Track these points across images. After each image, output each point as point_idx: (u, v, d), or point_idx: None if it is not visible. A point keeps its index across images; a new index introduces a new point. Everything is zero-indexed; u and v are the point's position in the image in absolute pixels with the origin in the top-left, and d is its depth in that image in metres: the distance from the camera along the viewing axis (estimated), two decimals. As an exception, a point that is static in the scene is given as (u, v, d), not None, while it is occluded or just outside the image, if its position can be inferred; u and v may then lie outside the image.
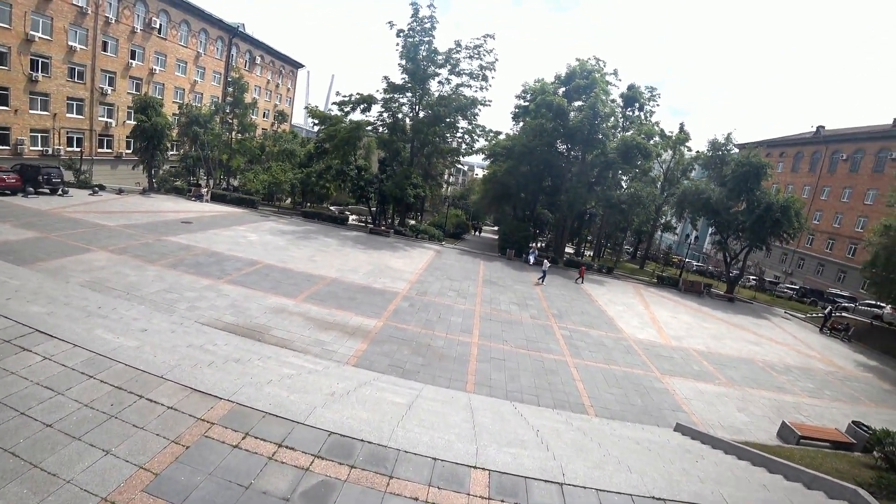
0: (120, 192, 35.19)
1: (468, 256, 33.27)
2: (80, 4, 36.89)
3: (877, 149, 49.65)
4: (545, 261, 29.73)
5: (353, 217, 46.75)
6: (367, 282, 19.68)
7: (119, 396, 5.26)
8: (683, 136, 47.08)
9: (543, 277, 27.36)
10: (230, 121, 46.99)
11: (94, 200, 29.83)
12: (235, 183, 48.11)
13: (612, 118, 39.02)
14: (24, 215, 22.02)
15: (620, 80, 40.61)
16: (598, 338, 17.79)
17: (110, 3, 39.84)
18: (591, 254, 50.74)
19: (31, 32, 33.75)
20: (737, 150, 39.88)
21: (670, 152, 49.34)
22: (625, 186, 43.30)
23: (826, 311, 31.11)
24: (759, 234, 34.62)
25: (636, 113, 42.54)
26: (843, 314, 32.61)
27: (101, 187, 34.48)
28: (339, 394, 6.74)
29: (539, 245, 44.68)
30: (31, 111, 34.82)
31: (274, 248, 23.37)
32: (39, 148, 35.77)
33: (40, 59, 34.83)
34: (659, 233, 60.80)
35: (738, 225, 35.55)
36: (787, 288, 47.77)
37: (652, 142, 38.11)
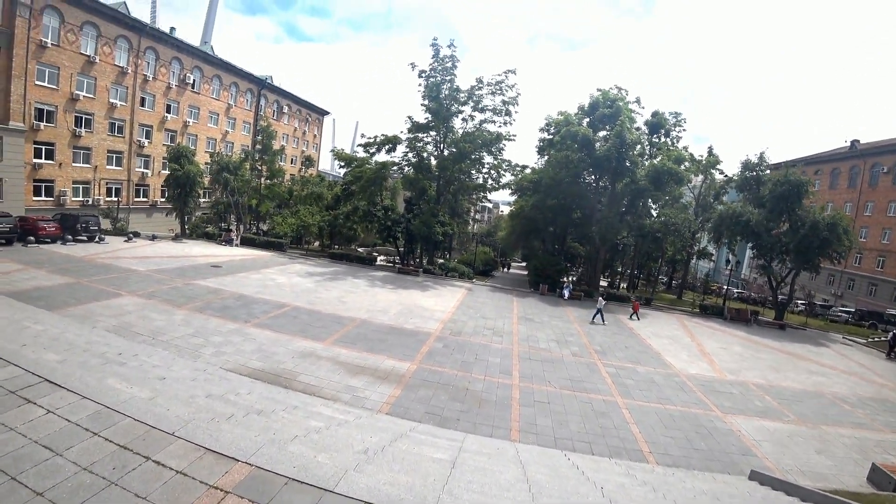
0: (153, 238, 35.97)
1: (500, 293, 32.28)
2: (121, 65, 39.21)
3: None
4: (601, 298, 27.35)
5: (381, 258, 46.56)
6: (397, 322, 18.96)
7: (123, 458, 4.57)
8: (713, 160, 45.86)
9: (600, 315, 25.20)
10: (259, 167, 48.24)
11: (127, 247, 30.45)
12: (265, 227, 48.86)
13: (639, 146, 38.26)
14: (60, 262, 22.43)
15: (644, 108, 40.09)
16: (646, 374, 16.42)
17: (148, 63, 42.21)
18: (626, 286, 48.90)
19: (77, 92, 35.81)
20: (768, 171, 38.22)
21: (701, 177, 48.07)
22: (655, 215, 42.06)
23: (891, 336, 28.57)
24: (805, 254, 32.59)
25: (662, 139, 41.69)
26: None
27: (136, 234, 35.35)
28: (374, 450, 5.89)
29: (571, 279, 43.24)
30: (73, 164, 36.55)
31: (302, 290, 23.01)
32: (81, 198, 37.27)
33: (84, 116, 36.79)
34: (694, 261, 58.56)
35: (782, 247, 33.62)
36: (841, 311, 44.77)
37: (682, 166, 36.99)
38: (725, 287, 44.30)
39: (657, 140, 41.38)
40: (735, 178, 41.63)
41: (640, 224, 39.22)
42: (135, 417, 5.22)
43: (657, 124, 40.84)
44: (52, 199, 35.08)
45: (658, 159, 37.46)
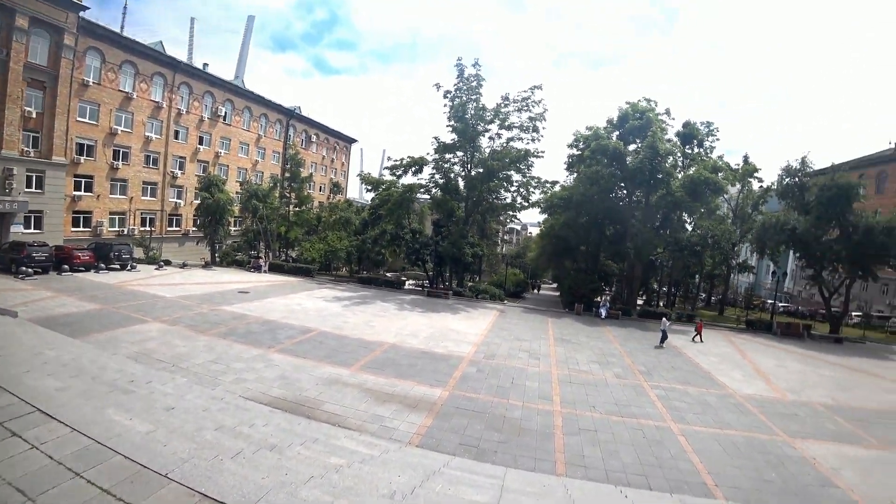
0: (183, 265, 36.45)
1: (534, 314, 31.07)
2: (156, 99, 40.68)
3: None
4: (664, 319, 24.79)
5: (410, 282, 46.02)
6: (428, 347, 18.08)
7: (105, 508, 3.86)
8: (750, 168, 44.04)
9: (665, 339, 23.08)
10: (288, 195, 48.91)
11: (157, 274, 30.79)
12: (293, 254, 49.17)
13: (672, 157, 36.87)
14: (91, 289, 22.62)
15: (674, 119, 38.93)
16: (698, 396, 14.96)
17: (182, 97, 43.67)
18: (663, 303, 46.77)
19: (115, 126, 37.15)
20: (809, 177, 36.05)
21: (738, 186, 46.13)
22: (689, 229, 40.30)
23: None
24: (860, 262, 30.35)
25: (695, 150, 40.26)
26: None
27: (167, 262, 35.91)
28: (402, 493, 5.03)
29: (606, 297, 41.54)
30: (111, 195, 37.67)
31: (329, 315, 22.45)
32: (116, 228, 38.33)
33: (121, 149, 38.07)
34: (735, 275, 55.77)
35: (833, 255, 31.39)
36: (904, 321, 41.62)
37: (720, 175, 35.38)
38: (772, 301, 41.77)
39: (690, 151, 39.98)
40: (774, 185, 39.60)
41: (677, 238, 37.53)
42: (126, 455, 4.55)
43: (689, 135, 39.48)
44: (89, 229, 36.09)
45: (693, 170, 35.99)
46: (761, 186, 43.79)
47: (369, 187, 41.70)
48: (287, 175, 51.95)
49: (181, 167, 44.33)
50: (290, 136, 60.79)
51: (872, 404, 16.28)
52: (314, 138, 67.12)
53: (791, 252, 40.24)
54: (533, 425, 11.08)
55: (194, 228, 44.82)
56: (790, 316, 44.15)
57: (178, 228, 44.82)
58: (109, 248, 30.78)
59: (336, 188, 64.19)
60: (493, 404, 12.26)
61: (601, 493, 7.61)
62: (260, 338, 16.68)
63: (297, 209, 49.33)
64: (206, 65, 49.20)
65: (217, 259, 41.89)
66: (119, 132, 37.37)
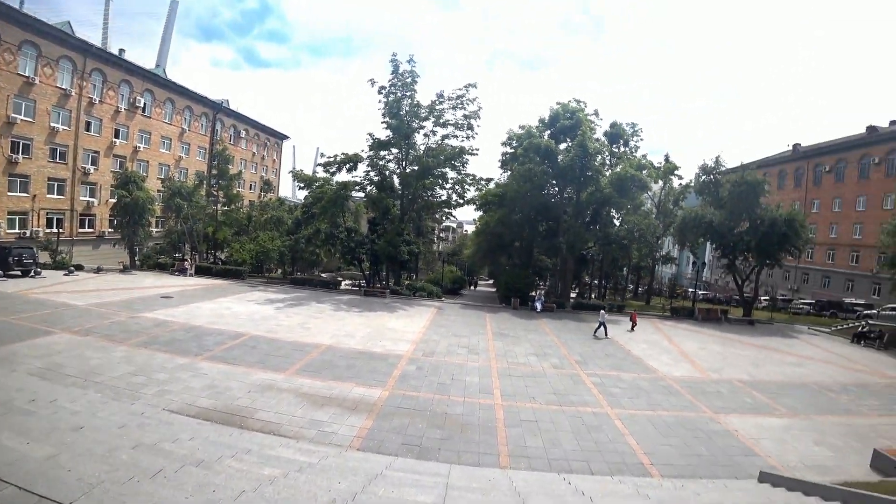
0: (98, 270, 33.47)
1: (471, 310, 31.31)
2: (63, 87, 36.75)
3: (858, 157, 50.62)
4: (602, 311, 25.76)
5: (347, 282, 44.98)
6: (366, 347, 17.66)
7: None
8: (671, 166, 46.74)
9: (603, 328, 23.57)
10: (215, 193, 46.10)
11: (67, 281, 28.00)
12: (223, 256, 46.55)
13: (600, 156, 38.55)
14: (-17, 302, 20.05)
15: (602, 120, 40.70)
16: (632, 381, 15.70)
17: (94, 85, 39.87)
18: (594, 295, 48.91)
19: (13, 115, 33.14)
20: (721, 176, 39.13)
21: (660, 183, 49.06)
22: (617, 224, 42.41)
23: (861, 325, 29.38)
24: (767, 251, 33.40)
25: (622, 149, 42.25)
26: (866, 321, 30.90)
27: (79, 267, 32.77)
28: (343, 500, 4.76)
29: (541, 291, 42.77)
30: (9, 193, 33.62)
31: (261, 318, 21.37)
32: (17, 230, 34.22)
33: (21, 141, 34.04)
34: (659, 266, 59.46)
35: (744, 245, 34.33)
36: (803, 303, 46.42)
37: (644, 173, 37.47)
38: (693, 290, 44.95)
39: (616, 150, 41.89)
40: (693, 183, 42.57)
41: (607, 232, 39.37)
42: (20, 486, 3.94)
43: (616, 135, 41.39)
44: (-19, 231, 32.11)
45: (619, 167, 37.82)
46: (681, 184, 46.77)
47: (302, 184, 40.17)
48: (214, 172, 48.91)
49: (94, 162, 40.47)
50: (217, 130, 57.43)
51: (780, 377, 18.06)
52: (244, 134, 63.90)
53: (708, 244, 43.48)
54: (475, 420, 11.08)
55: (111, 230, 41.08)
56: (709, 303, 47.62)
57: (91, 230, 40.91)
58: (8, 251, 27.49)
59: (267, 186, 61.42)
60: (435, 401, 12.15)
61: (545, 482, 7.70)
62: (186, 345, 15.54)
63: (226, 208, 46.62)
64: (122, 50, 45.31)
65: (137, 262, 38.79)
66: (18, 121, 33.35)
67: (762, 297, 45.06)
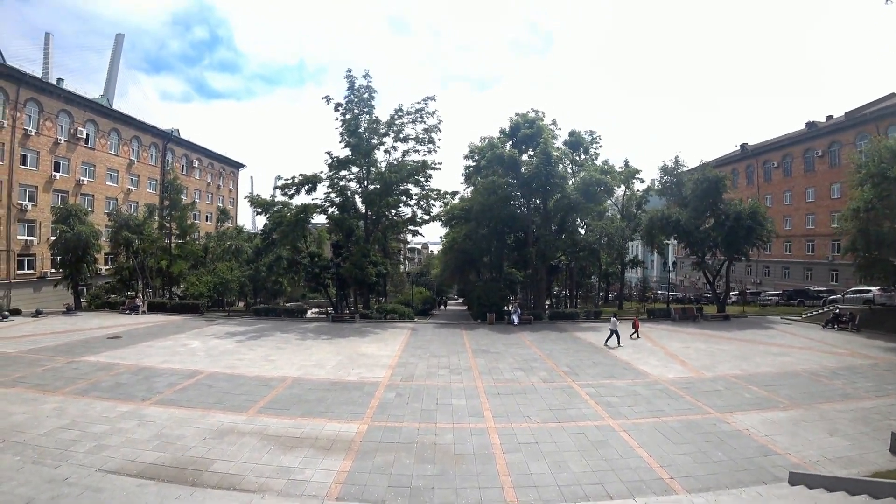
0: (37, 314, 30.56)
1: (447, 328, 30.08)
2: (-8, 118, 33.95)
3: (802, 151, 53.36)
4: (613, 318, 23.66)
5: (313, 310, 42.96)
6: (338, 376, 16.09)
7: None
8: (632, 170, 47.25)
9: (615, 337, 22.25)
10: (168, 225, 43.34)
11: (1, 326, 25.12)
12: (179, 291, 43.69)
13: (562, 164, 38.47)
14: None
15: (560, 129, 40.64)
16: (628, 388, 14.78)
17: (30, 116, 37.16)
18: (567, 305, 48.50)
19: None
20: (681, 175, 39.70)
21: (622, 188, 49.55)
22: (583, 232, 42.32)
23: (833, 310, 29.90)
24: (735, 245, 33.76)
25: (582, 156, 42.49)
26: (837, 306, 31.55)
27: (16, 311, 29.96)
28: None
29: (517, 304, 41.98)
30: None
31: (220, 353, 19.46)
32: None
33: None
34: (628, 271, 59.94)
35: (712, 241, 34.64)
36: (771, 295, 47.52)
37: (608, 177, 37.57)
38: (667, 291, 45.23)
39: (577, 158, 42.04)
40: (654, 185, 43.05)
41: (575, 240, 39.14)
42: None
43: (576, 142, 41.60)
44: None
45: (584, 173, 37.80)
46: (640, 191, 47.22)
47: (259, 210, 38.10)
48: (166, 203, 46.18)
49: (32, 198, 37.39)
50: (168, 161, 54.69)
51: (771, 369, 17.65)
52: (196, 163, 61.22)
53: (671, 246, 44.07)
54: (469, 448, 9.79)
55: (53, 270, 37.82)
56: (679, 302, 48.07)
57: (31, 271, 37.50)
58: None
59: (224, 215, 58.64)
60: (421, 431, 10.80)
61: (564, 519, 6.53)
62: (131, 390, 13.63)
63: (180, 241, 43.87)
64: (60, 80, 42.66)
65: (84, 303, 35.74)
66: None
67: (732, 293, 45.79)
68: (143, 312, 33.14)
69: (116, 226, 38.47)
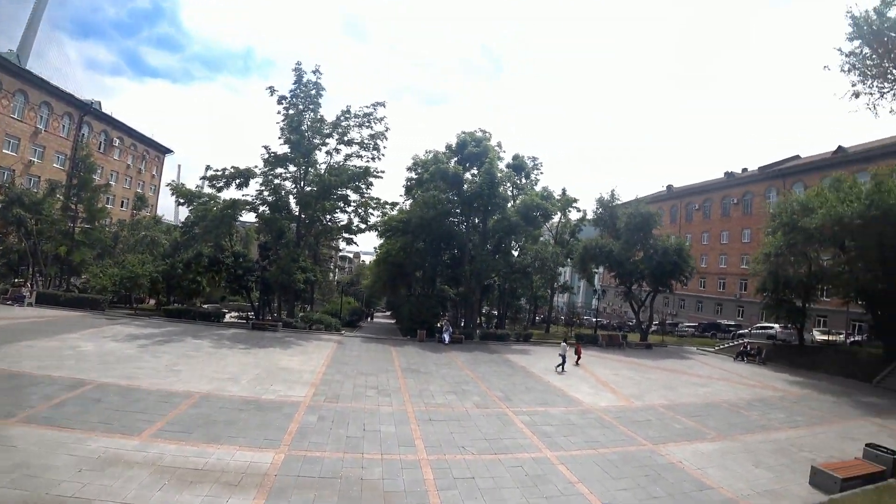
0: None
1: (375, 343, 28.85)
2: None
3: (720, 197, 58.47)
4: (563, 343, 23.55)
5: (232, 314, 39.92)
6: (253, 393, 14.45)
7: None
8: (570, 199, 48.60)
9: (563, 362, 22.56)
10: (73, 206, 38.58)
11: None
12: (79, 283, 38.97)
13: (503, 186, 38.76)
14: None
15: (505, 152, 40.99)
16: (562, 416, 14.48)
17: None
18: (495, 325, 48.72)
19: None
20: (616, 208, 41.49)
21: (560, 215, 50.90)
22: (515, 255, 42.85)
23: (743, 344, 32.38)
24: (660, 278, 35.59)
25: (523, 181, 43.15)
26: (746, 340, 34.31)
27: None
28: None
29: (448, 322, 41.44)
30: None
31: (117, 360, 17.02)
32: None
33: None
34: (557, 296, 61.63)
35: (640, 273, 36.31)
36: (687, 326, 50.78)
37: (548, 203, 38.41)
38: (593, 318, 46.77)
39: (519, 182, 42.59)
40: (588, 216, 44.62)
41: (509, 261, 39.45)
42: None
43: (518, 167, 42.14)
44: None
45: (525, 196, 38.37)
46: (576, 221, 48.69)
47: (183, 200, 34.81)
48: (74, 182, 41.19)
49: None
50: (83, 135, 49.14)
51: (695, 399, 18.44)
52: (117, 142, 55.68)
53: (598, 274, 45.76)
54: (399, 485, 8.83)
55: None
56: (603, 328, 49.90)
57: None
58: None
59: (141, 202, 53.72)
60: (345, 463, 9.68)
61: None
62: (-6, 403, 11.35)
63: (87, 226, 39.14)
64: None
65: (-50, 292, 30.76)
66: None
67: (654, 323, 48.22)
68: (30, 305, 29.06)
69: (6, 200, 33.53)
